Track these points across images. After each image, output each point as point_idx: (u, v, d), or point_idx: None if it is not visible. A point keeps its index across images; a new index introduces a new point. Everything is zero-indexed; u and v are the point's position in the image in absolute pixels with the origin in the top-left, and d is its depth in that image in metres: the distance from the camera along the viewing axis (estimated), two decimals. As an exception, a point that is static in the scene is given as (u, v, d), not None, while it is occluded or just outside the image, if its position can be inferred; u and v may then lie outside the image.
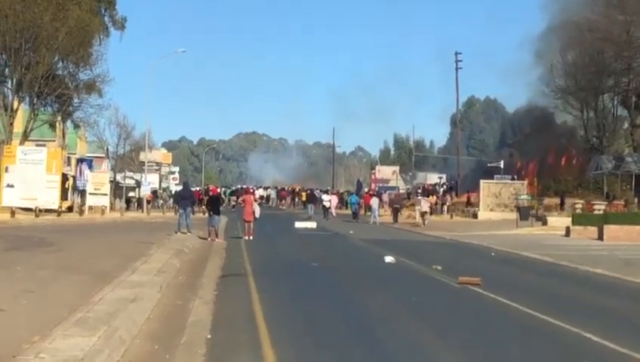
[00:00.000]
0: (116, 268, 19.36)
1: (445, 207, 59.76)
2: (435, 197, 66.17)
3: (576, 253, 30.03)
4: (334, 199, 64.72)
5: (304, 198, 76.51)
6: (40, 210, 49.76)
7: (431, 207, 58.84)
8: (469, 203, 66.75)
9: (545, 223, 48.58)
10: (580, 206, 49.37)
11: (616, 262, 26.57)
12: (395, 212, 58.62)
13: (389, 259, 25.26)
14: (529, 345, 12.16)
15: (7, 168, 51.67)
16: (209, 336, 12.13)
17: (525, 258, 28.96)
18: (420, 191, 78.39)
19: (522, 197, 53.87)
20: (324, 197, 66.69)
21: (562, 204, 54.64)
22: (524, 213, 50.08)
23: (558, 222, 47.00)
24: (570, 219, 44.84)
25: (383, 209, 65.47)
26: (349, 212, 64.03)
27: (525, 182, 61.25)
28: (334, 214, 61.67)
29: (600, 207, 47.02)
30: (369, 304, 16.19)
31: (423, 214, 53.04)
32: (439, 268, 22.84)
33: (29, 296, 14.50)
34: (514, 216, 51.41)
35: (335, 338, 12.39)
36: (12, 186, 51.11)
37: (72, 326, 11.59)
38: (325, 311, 15.14)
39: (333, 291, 18.28)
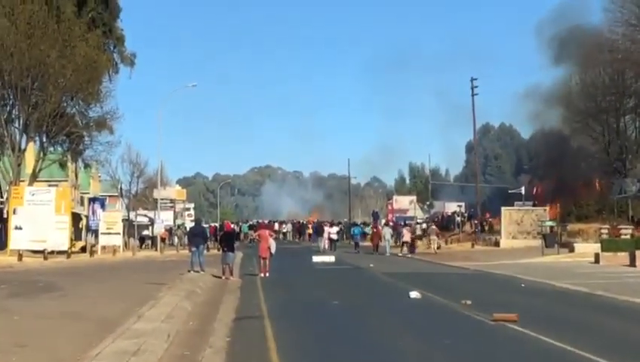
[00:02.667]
0: (121, 315, 17.93)
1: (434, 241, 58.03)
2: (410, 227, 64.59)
3: (611, 281, 28.57)
4: (327, 231, 63.31)
5: (310, 231, 75.79)
6: (49, 252, 48.39)
7: (437, 235, 59.71)
8: (483, 227, 65.30)
9: (572, 250, 47.00)
10: (606, 231, 47.71)
11: (656, 290, 24.96)
12: (411, 242, 57.38)
13: (414, 294, 23.74)
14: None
15: (15, 210, 50.37)
16: (220, 395, 10.65)
17: (558, 288, 27.41)
18: (437, 220, 77.02)
19: (547, 223, 52.42)
20: (332, 229, 65.56)
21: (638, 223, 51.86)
22: (549, 240, 48.68)
23: (586, 248, 45.42)
24: (597, 245, 43.24)
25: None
26: (368, 244, 62.73)
27: (547, 208, 59.85)
28: (326, 246, 60.24)
29: (627, 231, 45.37)
30: (398, 349, 14.64)
31: (403, 244, 56.17)
32: (469, 302, 21.35)
33: (20, 351, 13.15)
34: (537, 243, 50.15)
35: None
36: (20, 228, 49.74)
37: (61, 389, 10.11)
38: (350, 358, 13.64)
39: (358, 334, 16.72)
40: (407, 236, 56.96)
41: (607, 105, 64.51)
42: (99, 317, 17.76)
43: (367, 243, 64.18)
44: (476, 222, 69.26)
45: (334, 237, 63.19)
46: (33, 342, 14.13)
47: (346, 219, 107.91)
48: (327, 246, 60.26)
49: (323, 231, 63.04)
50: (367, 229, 73.63)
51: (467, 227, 70.67)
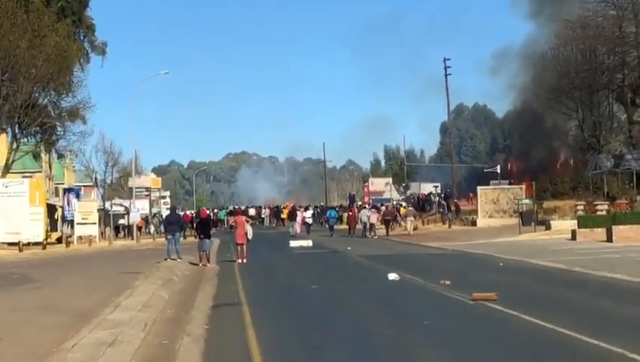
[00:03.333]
0: (98, 305, 17.71)
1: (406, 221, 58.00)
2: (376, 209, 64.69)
3: (588, 258, 28.56)
4: (299, 215, 63.45)
5: (285, 216, 75.77)
6: (24, 244, 47.97)
7: (414, 216, 60.13)
8: (449, 208, 65.29)
9: (548, 227, 47.01)
10: (582, 208, 47.75)
11: (633, 266, 24.94)
12: (387, 224, 57.92)
13: (392, 276, 23.64)
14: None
15: (-12, 203, 49.91)
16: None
17: (536, 266, 27.39)
18: (412, 201, 76.99)
19: (523, 201, 52.46)
20: (306, 213, 65.65)
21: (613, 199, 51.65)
22: (526, 218, 48.75)
23: (563, 225, 45.48)
24: (574, 222, 43.26)
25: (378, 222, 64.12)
26: (344, 227, 62.82)
27: (523, 187, 59.91)
28: (298, 230, 60.26)
29: (603, 207, 45.39)
30: (378, 331, 14.53)
31: (370, 225, 56.08)
32: (447, 282, 21.28)
33: (-5, 345, 12.87)
34: (513, 221, 50.25)
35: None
36: (-5, 221, 49.32)
37: (37, 382, 9.92)
38: (330, 344, 13.48)
39: (337, 318, 16.63)
40: (373, 218, 57.26)
41: (580, 82, 64.50)
42: (75, 308, 17.54)
43: (343, 227, 64.24)
44: (443, 203, 69.10)
45: (309, 221, 63.42)
46: (8, 335, 13.90)
47: (322, 203, 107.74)
48: (299, 231, 60.23)
49: (296, 215, 63.04)
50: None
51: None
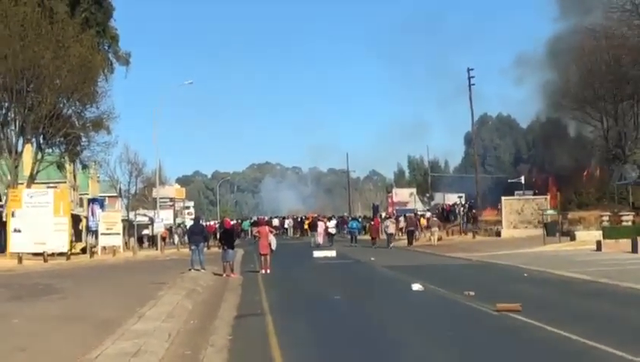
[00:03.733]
0: (122, 315, 17.76)
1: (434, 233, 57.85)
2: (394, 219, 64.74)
3: (614, 268, 28.39)
4: (321, 226, 63.55)
5: (306, 226, 76.17)
6: (49, 255, 48.15)
7: (439, 226, 59.53)
8: (469, 218, 65.07)
9: (573, 238, 46.79)
10: (607, 218, 47.54)
11: (659, 277, 24.79)
12: (410, 234, 57.55)
13: (416, 286, 23.57)
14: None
15: (13, 213, 50.09)
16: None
17: (560, 277, 27.25)
18: (437, 212, 76.78)
19: (548, 212, 52.21)
20: (329, 223, 65.67)
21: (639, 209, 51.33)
22: (550, 229, 48.52)
23: (587, 236, 45.27)
24: (599, 232, 43.06)
25: (400, 232, 64.05)
26: (367, 238, 62.77)
27: (548, 197, 59.67)
28: (320, 241, 60.29)
29: (628, 218, 45.24)
30: (402, 342, 14.49)
31: (389, 235, 56.32)
32: (472, 293, 21.19)
33: (20, 355, 13.02)
34: (538, 232, 49.96)
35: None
36: (19, 231, 49.41)
37: (60, 392, 9.93)
38: (353, 355, 13.45)
39: (360, 328, 16.57)
40: (391, 228, 57.41)
41: (604, 92, 64.22)
42: (99, 318, 17.59)
43: (366, 237, 64.16)
44: (462, 214, 68.88)
45: (332, 231, 63.19)
46: (33, 345, 14.00)
47: (345, 213, 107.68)
48: (322, 241, 60.34)
49: (317, 226, 63.10)
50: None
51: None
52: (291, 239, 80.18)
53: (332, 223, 66.26)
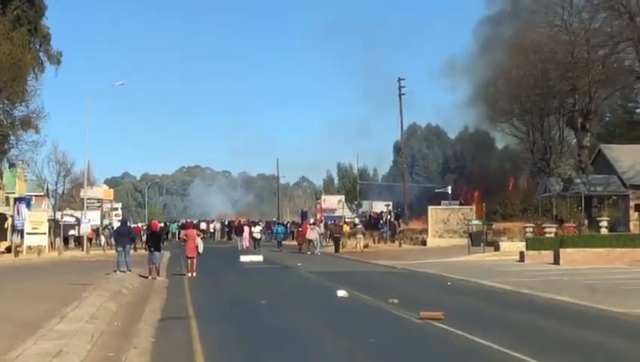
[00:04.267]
0: (44, 316, 17.58)
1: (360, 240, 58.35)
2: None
3: (536, 279, 28.85)
4: (246, 230, 64.14)
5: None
6: (-28, 253, 47.53)
7: (364, 234, 59.75)
8: (394, 231, 65.50)
9: (497, 248, 47.48)
10: (531, 230, 48.25)
11: (579, 288, 25.32)
12: (336, 241, 57.77)
13: (341, 293, 23.72)
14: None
15: None
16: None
17: (483, 286, 27.62)
18: (364, 220, 77.14)
19: (473, 222, 52.80)
20: (255, 228, 66.14)
21: (562, 222, 52.08)
22: (475, 239, 49.10)
23: (511, 246, 45.94)
24: (522, 243, 43.68)
25: (326, 240, 64.45)
26: (294, 243, 63.14)
27: (474, 207, 60.37)
28: (246, 245, 61.38)
29: (551, 230, 45.93)
30: (324, 348, 14.61)
31: (309, 241, 56.34)
32: (395, 301, 21.37)
33: (-62, 354, 12.77)
34: (463, 241, 50.50)
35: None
36: (-59, 230, 48.77)
37: (-21, 392, 9.85)
38: (276, 360, 13.53)
39: (285, 334, 16.63)
40: (312, 234, 57.35)
41: (531, 106, 65.14)
42: (21, 318, 17.41)
43: (293, 243, 64.43)
44: (385, 222, 69.24)
45: (257, 236, 63.56)
46: (-48, 344, 13.80)
47: (274, 218, 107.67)
48: (247, 245, 61.00)
49: (242, 230, 63.40)
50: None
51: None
52: (218, 243, 79.98)
53: (257, 228, 66.53)
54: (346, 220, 78.86)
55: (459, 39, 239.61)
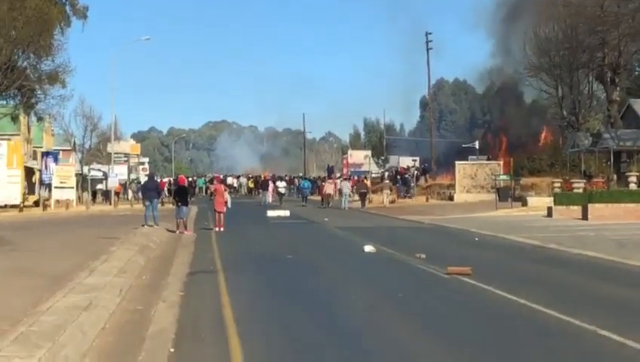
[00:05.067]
0: (73, 269, 17.68)
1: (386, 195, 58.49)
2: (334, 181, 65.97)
3: (563, 235, 28.70)
4: (270, 185, 64.71)
5: (251, 185, 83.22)
6: (1, 206, 47.78)
7: (390, 189, 60.38)
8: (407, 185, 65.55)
9: (525, 204, 47.31)
10: (559, 185, 47.99)
11: (607, 244, 25.18)
12: (363, 196, 58.09)
13: (368, 248, 23.74)
14: (542, 347, 10.61)
15: (-35, 164, 49.69)
16: (172, 350, 10.53)
17: (511, 242, 27.54)
18: (391, 174, 77.02)
19: (501, 177, 52.59)
20: (280, 183, 67.45)
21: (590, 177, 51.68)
22: (503, 194, 48.91)
23: (539, 202, 45.78)
24: (550, 199, 43.49)
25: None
26: (318, 198, 63.55)
27: (501, 162, 60.03)
28: (270, 200, 62.25)
29: (579, 185, 45.61)
30: (352, 304, 14.57)
31: (328, 195, 58.82)
32: (423, 256, 21.36)
33: (-32, 306, 12.85)
34: (490, 197, 50.35)
35: (316, 349, 10.78)
36: (-30, 183, 49.10)
37: (10, 344, 9.90)
38: (304, 316, 13.54)
39: (311, 289, 16.67)
40: (329, 188, 59.36)
41: (560, 60, 64.47)
42: (50, 271, 17.50)
43: (317, 197, 64.98)
44: (398, 177, 69.29)
45: (282, 191, 64.53)
46: (-18, 297, 13.90)
47: (300, 174, 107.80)
48: (271, 200, 61.74)
49: (268, 185, 63.74)
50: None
51: (422, 181, 70.71)
52: (243, 197, 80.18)
53: (282, 183, 67.72)
54: (373, 175, 78.83)
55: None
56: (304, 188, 65.71)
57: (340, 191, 59.09)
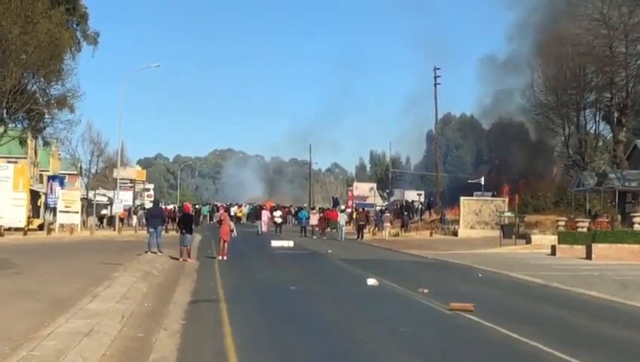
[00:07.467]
0: (76, 294, 17.72)
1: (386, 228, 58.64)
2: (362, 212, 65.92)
3: (567, 274, 28.68)
4: (265, 214, 64.74)
5: (240, 215, 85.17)
6: (5, 229, 47.83)
7: (390, 222, 61.23)
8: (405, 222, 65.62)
9: (529, 241, 47.28)
10: (563, 223, 47.96)
11: (610, 284, 25.16)
12: (361, 229, 58.50)
13: (371, 281, 23.73)
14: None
15: (-28, 186, 49.77)
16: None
17: (514, 279, 27.51)
18: (395, 208, 77.07)
19: (506, 214, 52.57)
20: (275, 213, 67.98)
21: (594, 216, 51.67)
22: (507, 231, 48.82)
23: (543, 240, 45.76)
24: (554, 237, 43.46)
25: (350, 225, 65.12)
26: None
27: (506, 199, 60.01)
28: (264, 230, 61.91)
29: (584, 224, 45.60)
30: (354, 336, 14.61)
31: (312, 227, 60.17)
32: (426, 291, 21.34)
33: (-29, 329, 12.87)
34: (495, 233, 50.21)
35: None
36: (-24, 205, 49.17)
37: (11, 368, 9.93)
38: (305, 347, 13.55)
39: (315, 321, 16.68)
40: (313, 219, 60.68)
41: (567, 99, 64.68)
42: (53, 296, 17.54)
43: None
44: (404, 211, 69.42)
45: (278, 220, 64.90)
46: (-16, 319, 13.92)
47: (305, 204, 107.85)
48: (265, 230, 61.79)
49: (261, 215, 63.78)
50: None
51: (426, 216, 70.78)
52: (247, 226, 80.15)
53: (277, 213, 68.18)
54: (377, 208, 78.91)
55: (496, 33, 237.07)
56: (301, 218, 65.84)
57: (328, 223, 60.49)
